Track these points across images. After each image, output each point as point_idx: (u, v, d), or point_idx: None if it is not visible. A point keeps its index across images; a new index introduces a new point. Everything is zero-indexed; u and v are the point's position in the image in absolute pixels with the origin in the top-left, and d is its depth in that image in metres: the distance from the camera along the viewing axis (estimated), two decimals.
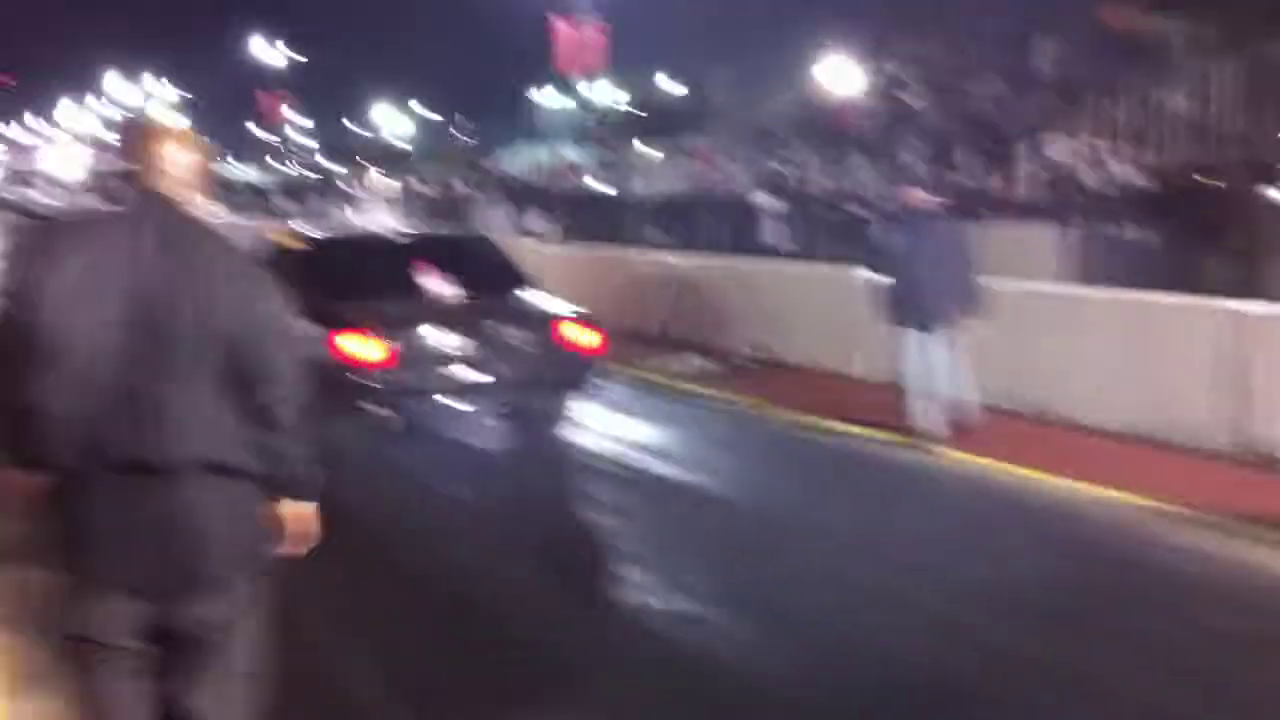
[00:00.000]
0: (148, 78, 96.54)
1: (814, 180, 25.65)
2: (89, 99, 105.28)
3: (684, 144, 48.15)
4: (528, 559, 6.32)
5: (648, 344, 13.37)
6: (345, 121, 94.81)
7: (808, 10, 45.77)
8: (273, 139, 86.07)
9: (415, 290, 8.30)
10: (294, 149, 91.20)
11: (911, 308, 8.32)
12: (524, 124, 76.80)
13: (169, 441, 2.82)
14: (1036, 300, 9.68)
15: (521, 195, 29.70)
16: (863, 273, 9.33)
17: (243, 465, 2.93)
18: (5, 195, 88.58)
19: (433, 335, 7.92)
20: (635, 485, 7.74)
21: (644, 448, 8.70)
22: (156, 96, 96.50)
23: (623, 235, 22.12)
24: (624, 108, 69.41)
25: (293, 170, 78.44)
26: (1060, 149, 19.46)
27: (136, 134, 3.06)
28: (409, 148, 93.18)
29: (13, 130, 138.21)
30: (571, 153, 54.25)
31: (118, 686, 2.94)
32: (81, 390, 2.76)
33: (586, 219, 24.83)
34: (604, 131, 58.97)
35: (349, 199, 36.82)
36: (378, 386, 7.60)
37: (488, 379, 7.92)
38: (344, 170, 66.91)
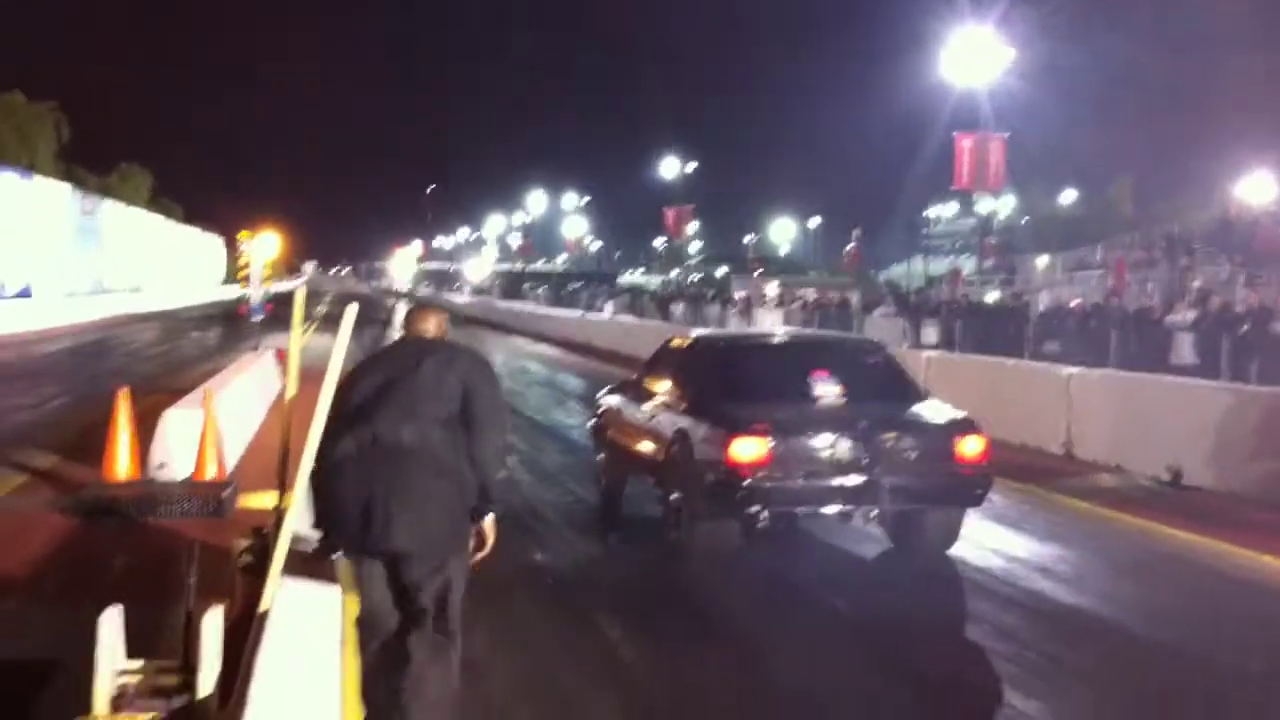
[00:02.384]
0: (568, 195, 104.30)
1: (1232, 295, 23.69)
2: (517, 214, 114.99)
3: (1084, 256, 46.19)
4: (903, 679, 6.00)
5: (1046, 459, 12.70)
6: (747, 235, 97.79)
7: (1222, 124, 43.11)
8: (660, 246, 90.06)
9: (800, 392, 8.18)
10: (692, 258, 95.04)
11: None
12: (919, 237, 76.39)
13: (405, 440, 4.25)
14: None
15: (915, 307, 29.26)
16: None
17: (456, 469, 4.32)
18: (418, 293, 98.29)
19: (816, 439, 7.69)
20: (1021, 606, 7.22)
21: (1034, 567, 8.13)
22: (571, 210, 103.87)
23: (1019, 347, 21.24)
24: (1022, 219, 67.69)
25: (691, 277, 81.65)
26: None
27: (411, 314, 4.91)
28: (802, 258, 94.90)
29: (449, 241, 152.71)
30: (967, 265, 53.30)
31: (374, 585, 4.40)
32: (362, 419, 4.30)
33: (981, 330, 24.07)
34: (1001, 243, 57.66)
35: (742, 306, 37.68)
36: (756, 487, 7.45)
37: (870, 487, 7.53)
38: (738, 278, 68.83)
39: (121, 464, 9.44)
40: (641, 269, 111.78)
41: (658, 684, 5.78)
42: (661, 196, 77.91)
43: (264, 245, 27.26)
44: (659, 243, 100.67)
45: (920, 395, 8.73)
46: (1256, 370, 15.80)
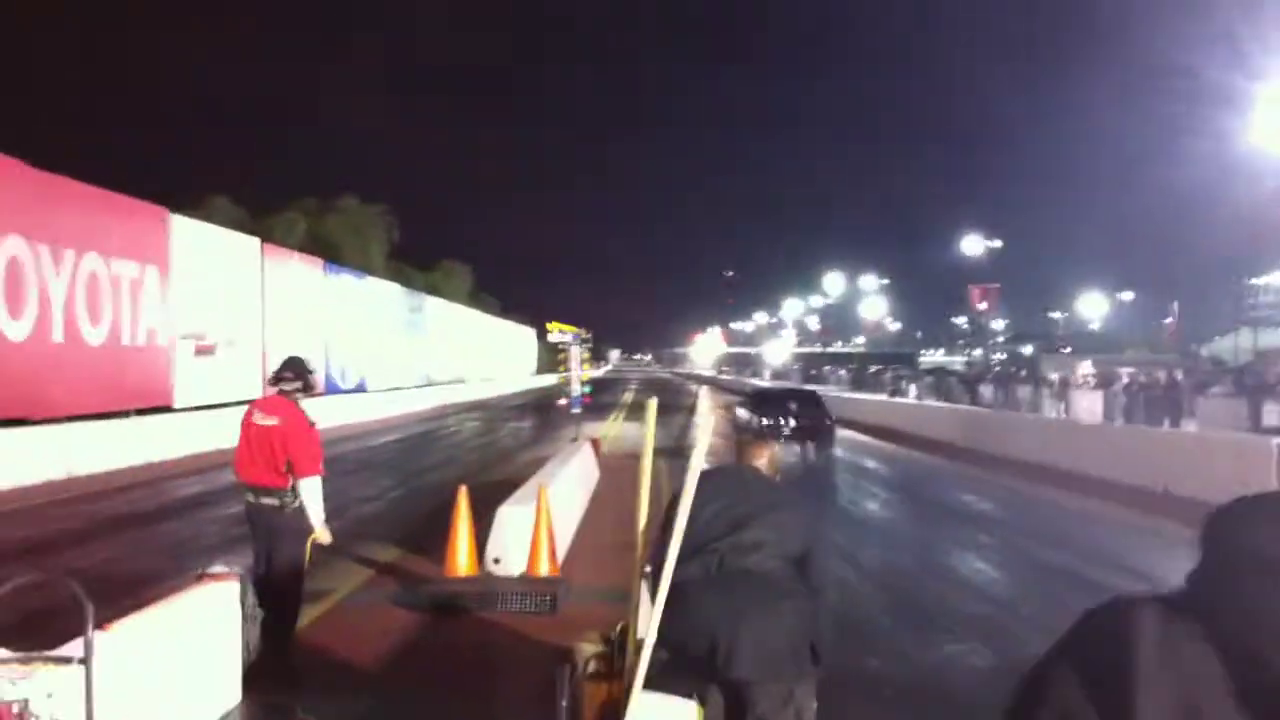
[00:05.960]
0: (866, 276, 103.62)
1: None
2: (814, 296, 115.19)
3: None
4: None
5: None
6: (1053, 311, 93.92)
7: None
8: (961, 323, 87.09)
9: (783, 406, 26.52)
10: (993, 336, 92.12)
11: None
12: (1245, 308, 71.30)
13: (751, 566, 4.44)
14: None
15: (1253, 388, 27.18)
16: None
17: (799, 593, 4.35)
18: (720, 376, 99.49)
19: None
20: None
21: None
22: (869, 292, 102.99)
23: None
24: None
25: (995, 356, 79.22)
26: None
27: (747, 446, 5.08)
28: (1114, 333, 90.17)
29: (747, 325, 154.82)
30: None
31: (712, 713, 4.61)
32: (708, 546, 4.44)
33: None
34: None
35: (1051, 385, 36.05)
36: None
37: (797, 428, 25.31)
38: (1046, 357, 66.08)
39: (461, 559, 9.86)
40: (942, 349, 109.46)
41: None
42: (961, 275, 76.11)
43: (578, 343, 28.72)
44: (960, 321, 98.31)
45: (826, 412, 26.72)
46: None
